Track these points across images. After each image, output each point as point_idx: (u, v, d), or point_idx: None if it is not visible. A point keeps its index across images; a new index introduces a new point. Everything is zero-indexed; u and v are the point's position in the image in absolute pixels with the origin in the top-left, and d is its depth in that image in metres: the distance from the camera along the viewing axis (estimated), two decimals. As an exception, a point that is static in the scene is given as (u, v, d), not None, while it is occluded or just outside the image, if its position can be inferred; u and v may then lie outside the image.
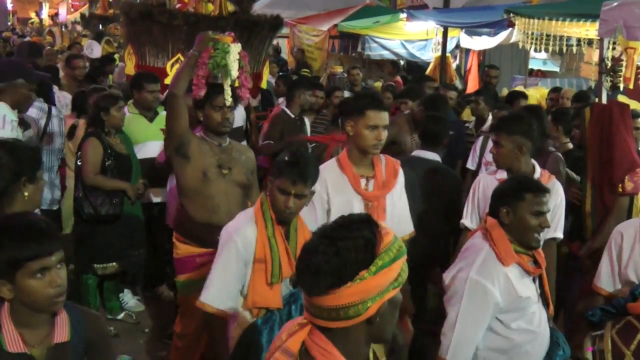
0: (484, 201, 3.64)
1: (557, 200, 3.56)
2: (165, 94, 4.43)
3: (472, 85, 11.74)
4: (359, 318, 1.47)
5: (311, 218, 3.16)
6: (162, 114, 4.81)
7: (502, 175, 3.59)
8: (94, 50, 10.77)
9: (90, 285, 4.83)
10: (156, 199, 5.07)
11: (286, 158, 2.79)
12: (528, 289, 2.77)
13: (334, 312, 1.46)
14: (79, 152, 4.61)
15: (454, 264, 2.88)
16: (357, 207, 3.22)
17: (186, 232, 3.65)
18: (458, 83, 12.09)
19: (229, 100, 3.54)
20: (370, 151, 3.20)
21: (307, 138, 5.65)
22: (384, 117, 3.18)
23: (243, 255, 2.80)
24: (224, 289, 2.83)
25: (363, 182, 3.25)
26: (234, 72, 3.51)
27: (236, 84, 3.65)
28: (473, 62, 13.14)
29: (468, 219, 3.74)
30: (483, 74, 7.26)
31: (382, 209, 3.27)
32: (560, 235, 3.65)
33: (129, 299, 5.28)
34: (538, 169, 3.58)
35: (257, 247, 2.81)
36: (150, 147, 4.98)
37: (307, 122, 6.17)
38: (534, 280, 2.84)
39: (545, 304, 2.90)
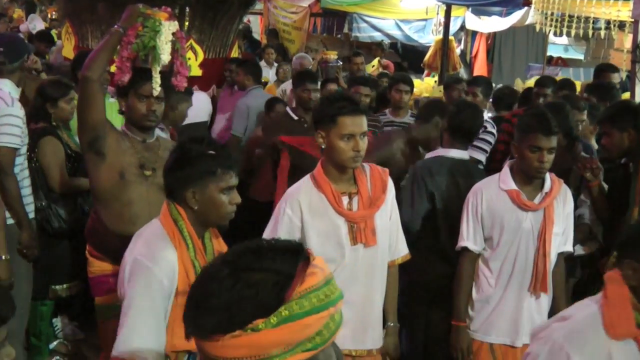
0: (490, 218, 3.58)
1: (569, 208, 3.61)
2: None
3: (480, 75, 11.74)
4: None
5: None
6: (110, 100, 4.72)
7: (510, 185, 3.53)
8: (37, 26, 10.57)
9: (45, 313, 4.70)
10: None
11: (206, 152, 2.63)
12: None
13: None
14: (32, 154, 4.45)
15: (558, 315, 2.47)
16: (343, 230, 3.14)
17: (100, 245, 3.61)
18: (463, 72, 12.10)
19: (157, 89, 3.48)
20: (349, 165, 3.11)
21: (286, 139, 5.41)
22: (360, 123, 3.08)
23: (167, 289, 2.60)
24: (154, 333, 2.60)
25: (345, 200, 3.15)
26: (165, 56, 3.46)
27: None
28: (480, 48, 13.19)
29: (470, 240, 3.66)
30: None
31: (371, 231, 3.18)
32: (570, 248, 3.66)
33: (65, 325, 5.14)
34: (547, 173, 3.57)
35: (180, 275, 2.62)
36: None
37: None
38: None
39: None
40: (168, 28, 3.42)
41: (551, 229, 3.49)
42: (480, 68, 13.00)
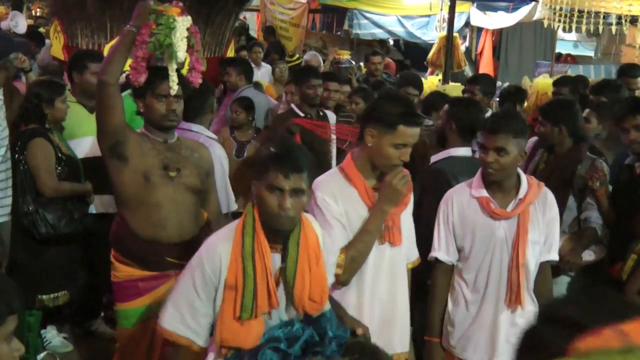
0: (461, 227, 3.45)
1: (551, 213, 3.44)
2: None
3: (486, 72, 11.70)
4: None
5: (337, 236, 3.04)
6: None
7: (480, 192, 3.41)
8: (19, 23, 10.50)
9: (32, 324, 4.53)
10: (97, 209, 4.97)
11: (271, 149, 2.69)
12: None
13: None
14: (20, 156, 4.47)
15: None
16: None
17: (126, 251, 3.61)
18: (468, 70, 12.07)
19: (174, 87, 3.49)
20: (388, 170, 3.11)
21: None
22: (417, 134, 3.09)
23: (212, 281, 2.71)
24: (189, 317, 2.77)
25: (376, 197, 3.14)
26: (182, 54, 3.45)
27: (185, 67, 3.58)
28: (486, 45, 13.16)
29: (442, 251, 3.51)
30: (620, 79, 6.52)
31: (398, 230, 3.18)
32: (555, 257, 3.50)
33: (53, 337, 5.10)
34: (524, 177, 3.41)
35: (229, 269, 2.69)
36: (89, 143, 4.87)
37: (331, 119, 5.81)
38: None
39: None
40: (182, 24, 3.41)
41: (525, 238, 3.32)
42: (486, 66, 12.98)
